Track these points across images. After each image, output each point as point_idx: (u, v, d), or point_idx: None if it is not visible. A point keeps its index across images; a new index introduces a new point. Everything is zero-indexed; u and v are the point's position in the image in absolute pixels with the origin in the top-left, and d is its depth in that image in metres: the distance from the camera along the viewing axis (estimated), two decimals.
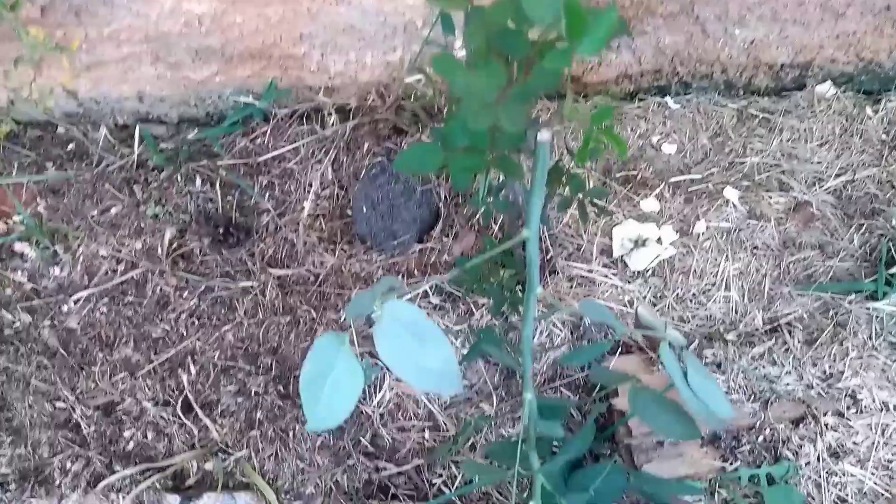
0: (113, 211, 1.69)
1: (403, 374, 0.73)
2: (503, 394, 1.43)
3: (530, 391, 0.84)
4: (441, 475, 1.37)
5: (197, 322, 1.55)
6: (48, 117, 1.80)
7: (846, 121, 1.56)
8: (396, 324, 0.72)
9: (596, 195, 1.31)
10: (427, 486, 1.36)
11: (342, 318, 1.52)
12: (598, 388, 1.38)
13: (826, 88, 1.59)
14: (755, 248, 1.47)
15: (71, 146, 1.82)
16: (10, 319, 1.59)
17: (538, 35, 0.89)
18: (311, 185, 1.66)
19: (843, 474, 1.25)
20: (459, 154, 0.95)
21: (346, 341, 0.73)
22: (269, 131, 1.74)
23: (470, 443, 1.39)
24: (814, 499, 1.25)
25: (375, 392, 1.45)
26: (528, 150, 1.07)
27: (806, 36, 1.49)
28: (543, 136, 0.93)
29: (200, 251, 1.63)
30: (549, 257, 1.49)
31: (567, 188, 1.26)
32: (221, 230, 1.64)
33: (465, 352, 1.47)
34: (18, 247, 1.69)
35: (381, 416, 1.44)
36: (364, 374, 1.41)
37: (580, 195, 1.27)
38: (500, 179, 1.34)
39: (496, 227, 1.56)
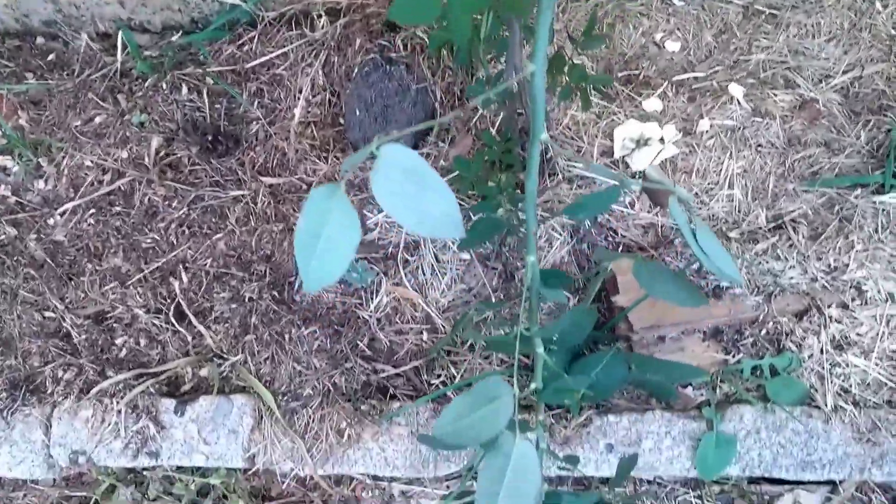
0: (97, 120, 1.63)
1: (404, 220, 0.69)
2: (502, 296, 1.41)
3: (533, 254, 0.81)
4: (440, 375, 1.35)
5: (187, 231, 1.51)
6: (26, 26, 1.73)
7: (855, 15, 1.50)
8: (395, 168, 0.68)
9: (600, 82, 1.26)
10: (426, 386, 1.35)
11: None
12: (597, 290, 1.36)
13: None
14: (759, 146, 1.43)
15: (51, 56, 1.75)
16: None
17: None
18: (301, 91, 1.60)
19: (847, 365, 1.24)
20: None
21: (341, 189, 0.69)
22: (256, 37, 1.67)
23: (468, 345, 1.37)
24: (816, 390, 1.24)
25: (373, 297, 1.42)
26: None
27: None
28: None
29: (189, 160, 1.58)
30: (548, 157, 1.45)
31: (568, 77, 1.22)
32: (210, 139, 1.58)
33: (464, 256, 1.44)
34: (0, 160, 1.64)
35: (379, 320, 1.41)
36: (360, 275, 1.39)
37: (583, 84, 1.23)
38: (499, 69, 1.29)
39: (493, 130, 1.51)
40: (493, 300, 1.40)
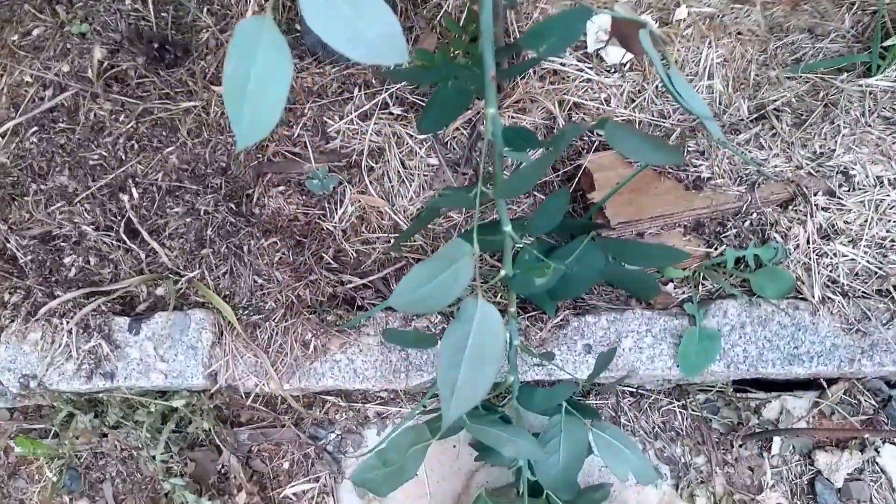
0: (35, 33, 1.52)
1: (340, 45, 0.61)
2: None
3: (493, 105, 0.73)
4: None
5: (136, 146, 1.42)
6: None
7: None
8: None
9: None
10: None
11: (294, 135, 1.39)
12: (573, 185, 1.29)
13: None
14: (740, 33, 1.35)
15: None
16: None
17: None
18: None
19: (835, 255, 1.19)
20: None
21: (268, 17, 0.61)
22: None
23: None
24: (803, 282, 1.19)
25: (337, 207, 1.35)
26: None
27: None
28: None
29: (135, 72, 1.47)
30: (517, 52, 1.36)
31: None
32: (157, 48, 1.47)
33: (431, 161, 1.37)
34: None
35: (344, 231, 1.34)
36: (322, 182, 1.30)
37: None
38: None
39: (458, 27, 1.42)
40: (464, 207, 1.32)
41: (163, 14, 1.52)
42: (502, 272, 0.94)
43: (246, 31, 0.61)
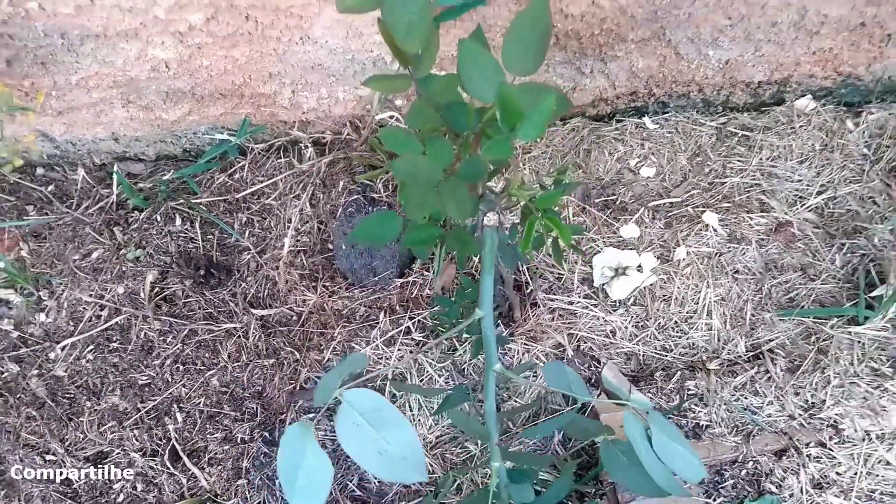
0: (94, 255, 1.69)
1: (367, 465, 0.74)
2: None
3: (497, 460, 0.84)
4: None
5: (182, 367, 1.56)
6: (26, 159, 1.80)
7: (826, 136, 1.53)
8: (356, 413, 0.74)
9: (571, 232, 1.29)
10: None
11: (325, 359, 1.52)
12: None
13: (806, 103, 1.56)
14: (736, 272, 1.45)
15: (51, 188, 1.81)
16: None
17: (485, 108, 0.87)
18: (290, 221, 1.65)
19: None
20: (415, 227, 0.95)
21: (311, 434, 0.75)
22: (246, 165, 1.73)
23: (455, 485, 1.40)
24: None
25: None
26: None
27: (781, 54, 1.46)
28: (490, 220, 0.92)
29: (183, 293, 1.63)
30: (528, 291, 1.49)
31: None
32: (203, 271, 1.63)
33: (447, 385, 1.47)
34: (3, 294, 1.70)
35: None
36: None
37: (554, 234, 1.26)
38: (472, 222, 1.33)
39: (476, 260, 1.55)
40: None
41: (209, 236, 1.68)
42: None
43: (293, 436, 0.75)
